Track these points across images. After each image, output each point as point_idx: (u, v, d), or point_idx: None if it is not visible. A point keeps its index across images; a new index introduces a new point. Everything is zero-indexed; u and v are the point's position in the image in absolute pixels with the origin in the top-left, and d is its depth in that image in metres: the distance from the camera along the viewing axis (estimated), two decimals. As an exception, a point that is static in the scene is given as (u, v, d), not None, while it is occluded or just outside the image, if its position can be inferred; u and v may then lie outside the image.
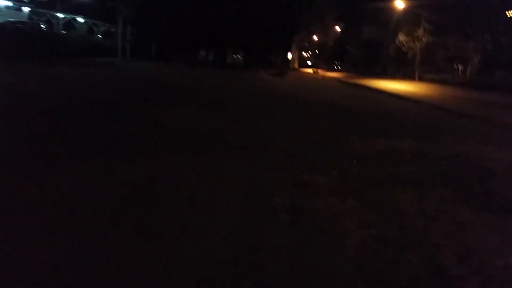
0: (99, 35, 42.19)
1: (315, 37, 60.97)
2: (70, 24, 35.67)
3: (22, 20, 35.04)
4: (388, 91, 20.63)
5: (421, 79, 38.89)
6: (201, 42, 39.78)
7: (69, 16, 34.89)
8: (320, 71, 37.82)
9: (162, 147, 5.51)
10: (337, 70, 54.27)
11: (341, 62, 67.40)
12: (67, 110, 7.91)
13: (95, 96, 10.42)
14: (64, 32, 33.01)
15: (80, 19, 36.82)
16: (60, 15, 33.98)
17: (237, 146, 5.88)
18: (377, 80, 32.98)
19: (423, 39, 39.51)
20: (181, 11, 34.33)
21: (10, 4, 36.34)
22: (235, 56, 52.70)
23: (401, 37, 42.77)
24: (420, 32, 39.62)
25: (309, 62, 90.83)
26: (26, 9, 40.23)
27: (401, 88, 23.21)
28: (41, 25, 28.65)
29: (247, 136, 6.73)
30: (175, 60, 38.13)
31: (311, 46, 74.51)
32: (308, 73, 44.86)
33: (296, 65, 52.89)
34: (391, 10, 42.23)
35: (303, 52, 78.31)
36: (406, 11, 40.69)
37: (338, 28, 51.95)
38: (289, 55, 42.38)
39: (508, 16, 36.45)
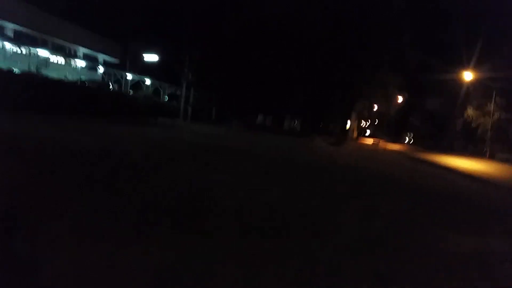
0: (165, 96, 44.30)
1: (375, 106, 59.83)
2: (138, 85, 37.75)
3: (95, 79, 37.78)
4: (460, 170, 18.77)
5: (492, 157, 35.91)
6: (260, 106, 40.18)
7: (137, 77, 36.98)
8: (381, 142, 36.28)
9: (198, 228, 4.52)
10: (401, 143, 52.16)
11: (403, 134, 65.17)
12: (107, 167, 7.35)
13: (141, 155, 9.92)
14: (131, 92, 34.81)
15: (148, 80, 38.96)
16: (129, 76, 36.13)
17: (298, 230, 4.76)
18: (444, 156, 30.82)
19: (495, 114, 37.06)
20: (242, 76, 35.15)
21: (84, 63, 39.44)
22: (292, 122, 52.78)
23: (470, 111, 40.56)
24: (491, 106, 37.32)
25: (367, 132, 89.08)
26: (101, 69, 43.53)
27: (473, 168, 21.10)
28: (109, 85, 30.31)
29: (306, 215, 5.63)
30: (234, 123, 38.57)
31: (371, 115, 73.34)
32: (367, 144, 43.35)
33: (354, 135, 51.70)
34: (458, 81, 40.48)
35: (361, 121, 77.17)
36: (475, 83, 38.77)
37: (400, 98, 50.59)
38: (347, 124, 41.43)
39: None
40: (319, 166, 14.06)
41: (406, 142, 63.18)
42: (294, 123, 53.31)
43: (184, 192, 6.49)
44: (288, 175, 10.29)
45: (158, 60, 35.34)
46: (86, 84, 27.27)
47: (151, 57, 35.39)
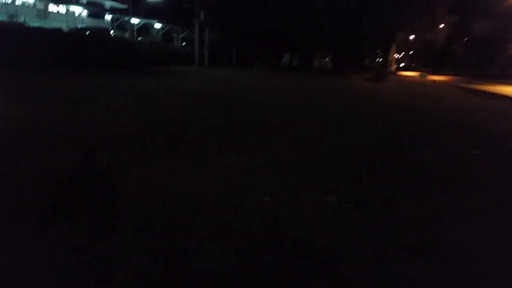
0: (179, 42, 40.10)
1: (412, 36, 53.58)
2: (145, 30, 33.51)
3: (101, 27, 33.94)
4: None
5: None
6: (285, 45, 35.49)
7: (144, 21, 32.65)
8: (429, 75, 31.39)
9: None
10: (443, 74, 46.49)
11: (444, 64, 58.82)
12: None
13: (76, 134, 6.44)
14: (138, 38, 30.86)
15: (157, 25, 34.60)
16: (134, 20, 31.83)
17: None
18: (501, 86, 26.14)
19: None
20: (262, 12, 30.35)
21: (87, 12, 35.42)
22: (323, 60, 47.66)
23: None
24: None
25: (402, 64, 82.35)
26: (109, 16, 39.49)
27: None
28: (110, 31, 26.45)
29: None
30: (257, 66, 34.33)
31: (407, 45, 66.72)
32: (410, 76, 38.34)
33: (393, 68, 46.40)
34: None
35: (397, 53, 70.43)
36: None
37: (442, 25, 44.31)
38: (386, 57, 36.22)
39: None
40: (374, 110, 10.23)
41: (448, 73, 57.10)
42: (325, 60, 48.18)
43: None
44: (338, 135, 6.63)
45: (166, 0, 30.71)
46: (83, 32, 23.62)
47: (156, -4, 30.78)
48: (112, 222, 3.00)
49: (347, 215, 3.34)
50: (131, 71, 19.03)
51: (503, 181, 4.73)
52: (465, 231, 3.16)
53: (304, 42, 32.14)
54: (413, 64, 79.80)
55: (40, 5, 32.67)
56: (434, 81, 27.69)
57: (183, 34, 38.32)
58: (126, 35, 33.48)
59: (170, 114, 7.98)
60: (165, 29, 36.11)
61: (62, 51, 16.83)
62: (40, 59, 15.70)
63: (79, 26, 28.01)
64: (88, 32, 23.87)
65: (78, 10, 35.66)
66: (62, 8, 34.89)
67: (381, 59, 37.22)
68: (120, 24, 32.77)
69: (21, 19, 26.35)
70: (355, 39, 30.17)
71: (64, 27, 26.29)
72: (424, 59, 61.36)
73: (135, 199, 3.40)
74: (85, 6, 37.35)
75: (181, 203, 3.40)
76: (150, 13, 32.64)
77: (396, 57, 71.98)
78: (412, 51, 76.57)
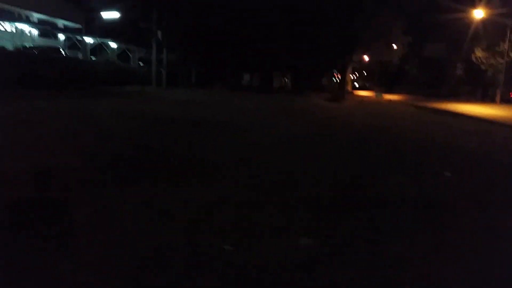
0: (136, 62, 38.88)
1: (366, 57, 55.17)
2: (100, 50, 32.24)
3: (53, 46, 32.26)
4: (489, 119, 15.43)
5: (509, 101, 32.10)
6: (244, 65, 35.31)
7: (99, 40, 31.43)
8: (384, 95, 31.98)
9: None
10: (396, 93, 47.86)
11: (398, 84, 60.75)
12: None
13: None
14: (93, 58, 29.60)
15: (113, 44, 33.39)
16: (89, 40, 30.55)
17: None
18: (454, 104, 27.06)
19: (510, 54, 32.92)
20: (221, 32, 30.07)
21: (38, 30, 33.67)
22: (283, 79, 47.88)
23: (479, 53, 36.30)
24: (504, 46, 33.10)
25: (356, 84, 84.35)
26: (61, 36, 37.76)
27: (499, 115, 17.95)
28: (61, 50, 25.19)
29: None
30: (217, 86, 33.86)
31: (362, 66, 68.71)
32: (366, 96, 39.11)
33: (349, 88, 47.41)
34: (464, 22, 35.94)
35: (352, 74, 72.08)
36: (485, 22, 34.32)
37: (395, 46, 45.93)
38: (342, 77, 36.81)
39: None
40: (335, 131, 9.89)
41: (402, 92, 59.05)
42: (285, 81, 48.42)
43: None
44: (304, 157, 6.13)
45: (121, 18, 29.66)
46: (31, 51, 22.30)
47: (111, 15, 29.68)
48: None
49: (327, 260, 2.76)
50: (82, 92, 18.02)
51: (477, 207, 4.34)
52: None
53: (263, 62, 32.08)
54: (367, 84, 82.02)
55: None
56: (390, 100, 28.22)
57: (140, 54, 37.27)
58: (80, 55, 32.04)
59: (117, 139, 7.21)
60: (122, 49, 34.98)
61: (5, 71, 15.63)
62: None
63: (27, 45, 26.50)
64: (37, 51, 22.58)
65: (27, 28, 33.87)
66: (8, 27, 33.02)
67: (339, 79, 37.82)
68: (74, 44, 31.40)
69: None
70: (313, 60, 30.38)
71: (10, 46, 24.73)
72: (378, 79, 63.11)
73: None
74: (36, 24, 35.57)
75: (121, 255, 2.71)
76: (106, 32, 31.53)
77: (351, 77, 73.96)
78: (366, 72, 79.01)
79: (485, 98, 36.92)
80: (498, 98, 33.98)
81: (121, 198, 3.89)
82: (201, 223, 3.37)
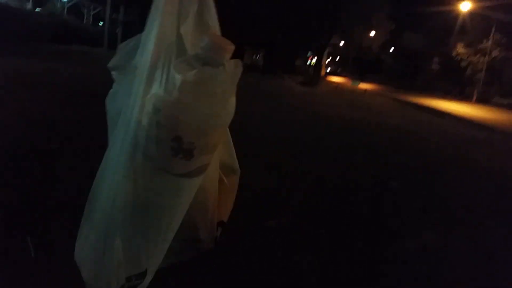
0: (101, 22, 34.34)
1: (342, 42, 53.02)
2: (47, 0, 27.82)
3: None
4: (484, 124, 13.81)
5: (486, 101, 30.81)
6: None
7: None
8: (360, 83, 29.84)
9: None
10: (369, 81, 46.06)
11: (372, 72, 59.12)
12: None
13: None
14: (36, 9, 25.53)
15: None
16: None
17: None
18: (431, 99, 25.43)
19: (492, 53, 31.50)
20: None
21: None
22: (254, 56, 44.81)
23: (460, 49, 34.72)
24: (488, 43, 31.62)
25: (329, 69, 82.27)
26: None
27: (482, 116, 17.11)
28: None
29: None
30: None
31: (336, 51, 66.42)
32: (340, 83, 36.89)
33: (323, 73, 45.09)
34: (449, 14, 34.19)
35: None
36: (471, 17, 32.67)
37: (373, 33, 43.78)
38: (318, 60, 34.20)
39: None
40: (309, 120, 7.39)
41: (375, 81, 57.56)
42: (257, 57, 45.34)
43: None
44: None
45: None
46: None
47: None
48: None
49: None
50: (14, 48, 14.56)
51: None
52: None
53: (233, 34, 28.93)
54: (339, 70, 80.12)
55: None
56: (365, 90, 26.11)
57: (95, 11, 33.04)
58: (28, 4, 27.65)
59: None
60: (73, 3, 30.67)
61: None
62: None
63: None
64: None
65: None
66: None
67: (314, 62, 35.34)
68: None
69: None
70: (290, 38, 27.64)
71: None
72: (351, 65, 60.97)
73: None
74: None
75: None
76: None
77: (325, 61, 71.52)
78: (339, 57, 77.04)
79: (461, 96, 35.63)
80: (474, 97, 32.71)
81: None
82: None
